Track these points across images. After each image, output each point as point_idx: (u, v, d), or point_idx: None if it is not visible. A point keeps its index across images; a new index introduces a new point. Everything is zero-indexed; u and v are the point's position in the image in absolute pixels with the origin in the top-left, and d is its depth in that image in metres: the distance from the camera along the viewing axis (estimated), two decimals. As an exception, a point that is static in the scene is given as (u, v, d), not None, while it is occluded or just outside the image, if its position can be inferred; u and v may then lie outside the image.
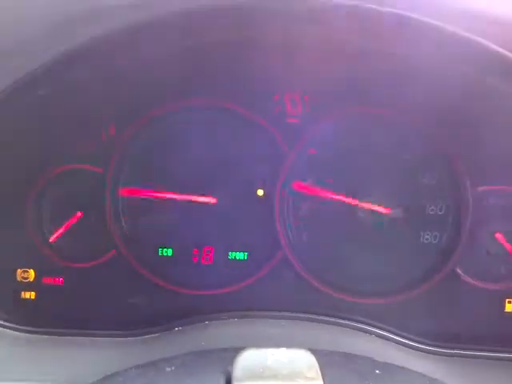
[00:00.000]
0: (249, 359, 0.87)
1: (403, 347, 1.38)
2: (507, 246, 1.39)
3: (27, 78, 1.04)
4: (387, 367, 0.98)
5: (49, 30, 0.97)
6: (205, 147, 1.42)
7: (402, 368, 1.00)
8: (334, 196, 1.41)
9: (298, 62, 1.27)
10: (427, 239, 1.42)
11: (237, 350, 0.91)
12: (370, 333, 1.39)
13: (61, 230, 1.43)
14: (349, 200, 1.41)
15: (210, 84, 1.37)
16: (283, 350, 0.89)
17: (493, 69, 1.06)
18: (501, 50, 1.00)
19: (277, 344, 0.96)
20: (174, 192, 1.43)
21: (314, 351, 0.90)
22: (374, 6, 0.97)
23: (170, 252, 1.44)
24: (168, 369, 0.94)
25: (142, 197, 1.42)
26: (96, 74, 1.15)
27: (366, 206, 1.42)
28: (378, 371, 0.93)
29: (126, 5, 0.94)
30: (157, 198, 1.42)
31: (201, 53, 1.20)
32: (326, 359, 0.91)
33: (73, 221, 1.43)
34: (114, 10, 0.94)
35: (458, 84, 1.15)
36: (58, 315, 1.42)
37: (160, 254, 1.45)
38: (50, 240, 1.43)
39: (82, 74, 1.12)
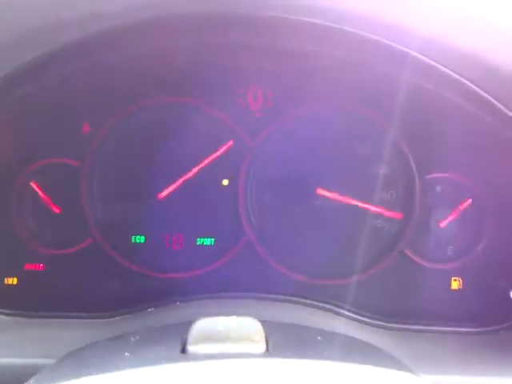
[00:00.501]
0: (202, 326, 0.98)
1: (357, 323, 1.49)
2: (449, 228, 1.51)
3: (6, 79, 1.14)
4: (329, 335, 1.09)
5: (26, 32, 1.05)
6: (174, 141, 1.52)
7: (343, 335, 1.11)
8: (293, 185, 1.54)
9: (262, 60, 1.37)
10: (379, 223, 1.53)
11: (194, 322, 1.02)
12: (328, 310, 1.50)
13: (38, 219, 1.53)
14: (307, 189, 1.53)
15: (177, 82, 1.47)
16: (233, 317, 1.00)
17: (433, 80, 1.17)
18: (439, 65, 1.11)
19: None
20: (148, 183, 1.53)
21: (262, 320, 1.02)
22: (334, 26, 1.08)
23: (142, 239, 1.55)
24: (133, 339, 1.05)
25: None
26: (72, 73, 1.25)
27: (324, 194, 1.53)
28: (319, 338, 1.04)
29: (103, 12, 1.03)
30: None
31: (168, 54, 1.30)
32: (273, 327, 1.02)
33: (52, 210, 1.53)
34: (90, 16, 1.04)
35: (405, 83, 1.25)
36: (39, 299, 1.51)
37: (133, 241, 1.55)
38: (29, 228, 1.53)
39: (59, 74, 1.21)
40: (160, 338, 1.03)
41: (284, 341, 0.97)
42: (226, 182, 1.54)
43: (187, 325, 1.02)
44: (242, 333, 0.95)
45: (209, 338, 0.94)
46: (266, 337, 0.96)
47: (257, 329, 0.98)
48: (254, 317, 1.40)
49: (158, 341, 1.00)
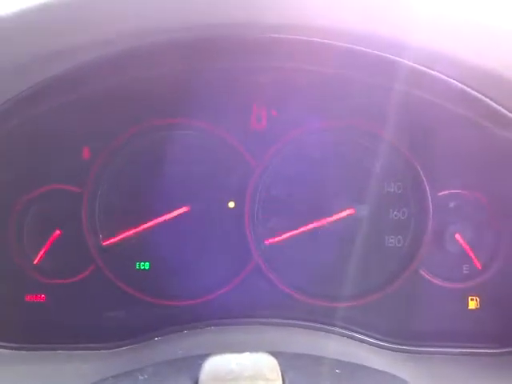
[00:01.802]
0: (214, 364, 0.93)
1: (373, 347, 1.44)
2: (466, 246, 1.45)
3: (5, 107, 1.10)
4: (348, 366, 1.04)
5: (23, 61, 1.02)
6: (177, 164, 1.47)
7: (363, 366, 1.06)
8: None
9: (265, 79, 1.33)
10: (391, 243, 1.48)
11: (205, 357, 0.97)
12: (341, 334, 1.45)
13: (43, 251, 1.48)
14: (316, 210, 1.48)
15: (179, 104, 1.43)
16: (247, 354, 0.95)
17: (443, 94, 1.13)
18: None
19: (251, 349, 1.02)
20: (150, 208, 1.48)
21: (276, 354, 0.97)
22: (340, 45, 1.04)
23: (146, 265, 1.50)
24: (141, 377, 1.00)
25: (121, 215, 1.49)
26: (70, 100, 1.21)
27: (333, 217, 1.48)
28: (338, 370, 0.99)
29: (93, 42, 1.00)
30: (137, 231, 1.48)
31: (170, 77, 1.26)
32: (288, 361, 0.97)
33: (53, 239, 1.48)
34: (81, 47, 1.00)
35: (416, 100, 1.21)
36: (41, 331, 1.46)
37: (137, 268, 1.50)
38: (34, 262, 1.47)
39: (55, 103, 1.17)
40: (170, 376, 0.98)
41: (301, 377, 0.93)
42: (232, 205, 1.49)
43: (197, 360, 0.97)
44: (256, 371, 0.91)
45: (222, 377, 0.89)
46: (282, 373, 0.91)
47: (272, 365, 0.93)
48: (265, 343, 1.38)
49: (167, 380, 0.96)
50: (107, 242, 1.48)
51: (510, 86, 1.05)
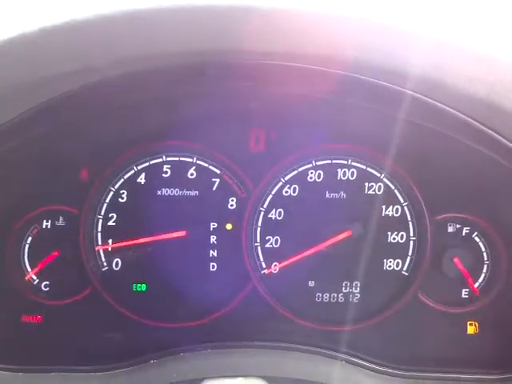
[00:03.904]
0: (207, 389, 0.93)
1: (371, 372, 1.43)
2: (463, 270, 1.44)
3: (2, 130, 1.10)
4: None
5: (19, 85, 1.02)
6: (175, 187, 1.47)
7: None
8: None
9: (263, 104, 1.33)
10: (390, 266, 1.48)
11: (199, 382, 0.96)
12: (340, 359, 1.44)
13: (40, 272, 1.47)
14: (314, 233, 1.48)
15: (177, 127, 1.43)
16: (240, 379, 0.94)
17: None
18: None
19: (247, 373, 1.01)
20: (147, 230, 1.47)
21: (270, 379, 0.96)
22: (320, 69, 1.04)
23: (143, 287, 1.49)
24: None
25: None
26: (66, 123, 1.21)
27: (331, 240, 1.47)
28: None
29: (89, 68, 1.00)
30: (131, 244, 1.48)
31: (168, 100, 1.26)
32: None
33: (49, 260, 1.47)
34: (77, 72, 1.01)
35: (415, 127, 1.21)
36: (36, 352, 1.45)
37: (134, 290, 1.49)
38: (32, 283, 1.47)
39: (53, 125, 1.18)
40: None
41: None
42: (229, 227, 1.49)
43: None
44: (249, 396, 0.90)
45: (214, 403, 0.88)
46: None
47: (265, 391, 0.92)
48: (261, 367, 1.37)
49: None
50: (105, 264, 1.48)
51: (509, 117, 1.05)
